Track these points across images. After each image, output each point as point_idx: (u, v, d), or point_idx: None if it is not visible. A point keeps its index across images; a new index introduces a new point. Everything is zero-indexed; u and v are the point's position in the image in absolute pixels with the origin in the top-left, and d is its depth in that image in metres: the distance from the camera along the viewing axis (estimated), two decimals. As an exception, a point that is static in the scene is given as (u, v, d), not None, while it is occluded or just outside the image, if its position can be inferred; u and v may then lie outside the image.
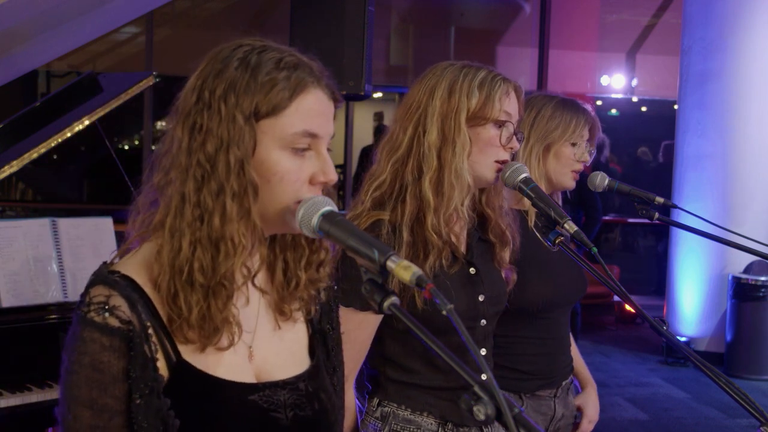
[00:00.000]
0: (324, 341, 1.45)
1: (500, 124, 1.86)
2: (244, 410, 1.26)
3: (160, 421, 1.19)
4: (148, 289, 1.23)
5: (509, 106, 1.87)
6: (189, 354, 1.24)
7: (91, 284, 1.22)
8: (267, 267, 1.37)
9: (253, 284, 1.28)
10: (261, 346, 1.33)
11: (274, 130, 1.24)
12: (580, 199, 6.46)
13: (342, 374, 1.50)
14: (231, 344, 1.25)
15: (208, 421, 1.23)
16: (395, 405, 1.88)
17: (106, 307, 1.19)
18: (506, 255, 2.01)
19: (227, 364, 1.27)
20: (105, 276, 1.22)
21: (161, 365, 1.21)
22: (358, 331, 1.82)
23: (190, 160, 1.23)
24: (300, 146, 1.25)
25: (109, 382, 1.18)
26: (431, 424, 1.87)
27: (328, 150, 1.30)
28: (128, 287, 1.21)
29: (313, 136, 1.25)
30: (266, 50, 1.27)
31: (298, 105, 1.24)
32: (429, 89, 1.86)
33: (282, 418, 1.29)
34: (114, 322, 1.18)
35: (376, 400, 1.91)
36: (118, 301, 1.20)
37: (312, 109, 1.26)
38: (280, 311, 1.37)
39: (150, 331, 1.21)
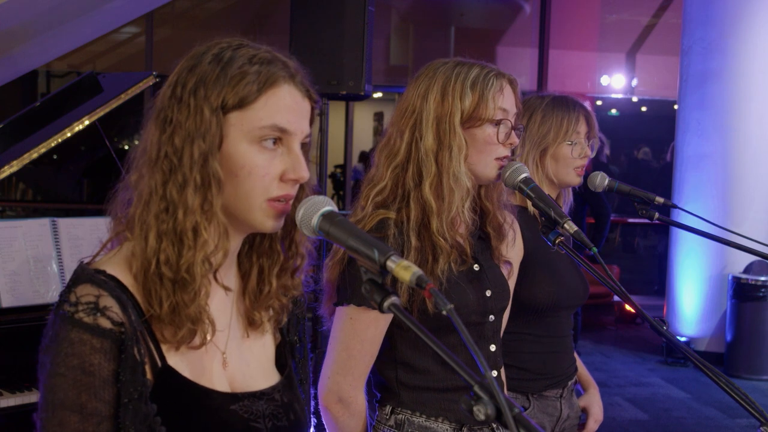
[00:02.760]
0: (292, 352, 1.44)
1: (497, 123, 1.84)
2: (226, 420, 1.25)
3: (146, 427, 1.17)
4: (133, 289, 1.21)
5: (504, 102, 1.85)
6: (173, 359, 1.22)
7: (75, 282, 1.19)
8: (241, 275, 1.35)
9: (216, 279, 1.26)
10: (233, 355, 1.32)
11: (242, 124, 1.22)
12: (584, 200, 6.45)
13: (308, 387, 1.48)
14: (203, 343, 1.24)
15: (194, 429, 1.22)
16: (409, 412, 1.86)
17: (97, 307, 1.16)
18: (502, 248, 2.00)
19: (206, 372, 1.26)
20: (91, 275, 1.20)
21: (147, 369, 1.19)
22: (369, 329, 1.80)
23: (159, 153, 1.22)
24: (269, 141, 1.23)
25: (99, 385, 1.15)
26: (446, 430, 1.85)
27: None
28: (117, 288, 1.19)
29: (282, 131, 1.24)
30: (242, 47, 1.26)
31: (267, 99, 1.23)
32: (422, 92, 1.85)
33: (262, 428, 1.28)
34: (105, 324, 1.16)
35: (388, 408, 1.88)
36: (109, 301, 1.17)
37: (282, 105, 1.24)
38: (250, 320, 1.35)
39: (139, 334, 1.19)
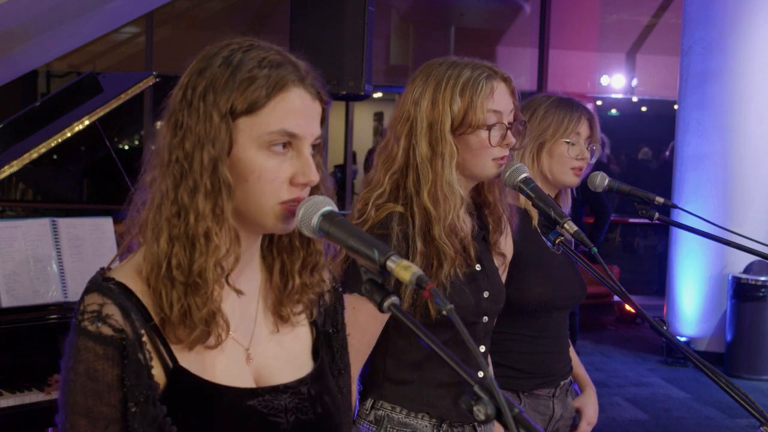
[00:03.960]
0: (328, 343, 1.44)
1: (489, 127, 1.83)
2: (242, 416, 1.25)
3: (156, 428, 1.19)
4: (141, 295, 1.22)
5: (496, 104, 1.84)
6: (186, 359, 1.23)
7: (86, 292, 1.22)
8: (265, 269, 1.36)
9: (227, 283, 1.27)
10: (260, 350, 1.32)
11: (251, 129, 1.22)
12: (584, 199, 6.45)
13: (349, 376, 1.48)
14: (218, 343, 1.24)
15: (205, 428, 1.22)
16: (389, 407, 1.87)
17: (99, 315, 1.19)
18: (500, 240, 2.01)
19: (224, 369, 1.27)
20: (99, 283, 1.22)
21: (157, 372, 1.21)
22: (371, 320, 1.81)
23: (170, 157, 1.23)
24: (278, 145, 1.23)
25: (104, 390, 1.18)
26: (425, 426, 1.86)
27: (315, 147, 1.28)
28: (122, 295, 1.21)
29: (291, 135, 1.24)
30: (252, 49, 1.26)
31: (276, 104, 1.23)
32: (416, 97, 1.85)
33: (282, 422, 1.28)
34: (107, 331, 1.18)
35: (369, 402, 1.90)
36: (111, 309, 1.19)
37: (291, 109, 1.24)
38: (279, 315, 1.36)
39: (144, 338, 1.20)
